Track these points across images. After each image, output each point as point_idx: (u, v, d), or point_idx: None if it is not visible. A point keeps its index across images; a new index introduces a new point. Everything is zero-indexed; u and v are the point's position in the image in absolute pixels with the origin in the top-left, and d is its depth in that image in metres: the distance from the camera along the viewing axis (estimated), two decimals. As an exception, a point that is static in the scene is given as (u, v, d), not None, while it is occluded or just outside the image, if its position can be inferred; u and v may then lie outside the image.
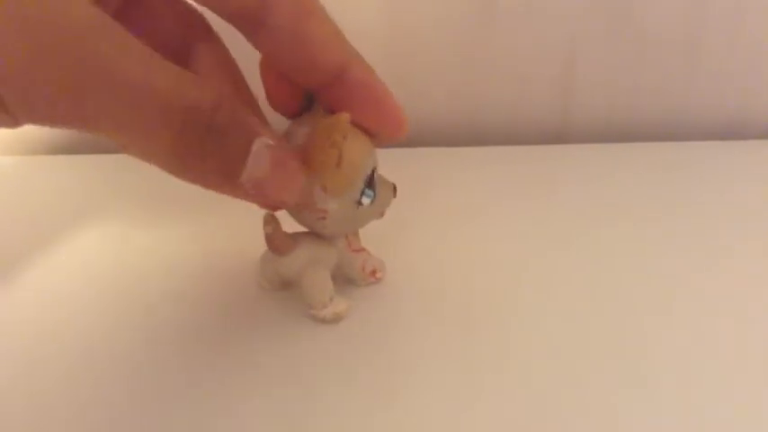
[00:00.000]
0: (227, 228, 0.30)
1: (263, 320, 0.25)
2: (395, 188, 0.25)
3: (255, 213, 0.23)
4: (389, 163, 0.25)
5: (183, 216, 0.32)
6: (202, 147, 0.17)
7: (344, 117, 0.21)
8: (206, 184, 0.19)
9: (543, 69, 0.41)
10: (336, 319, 0.24)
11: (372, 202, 0.23)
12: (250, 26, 0.20)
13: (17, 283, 0.27)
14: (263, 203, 0.22)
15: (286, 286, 0.26)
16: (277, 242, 0.23)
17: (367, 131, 0.23)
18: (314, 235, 0.24)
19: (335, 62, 0.21)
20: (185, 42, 0.22)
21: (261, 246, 0.24)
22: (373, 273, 0.26)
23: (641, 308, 0.25)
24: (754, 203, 0.33)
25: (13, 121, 0.15)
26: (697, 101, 0.42)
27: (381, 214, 0.24)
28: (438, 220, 0.31)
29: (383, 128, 0.23)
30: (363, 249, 0.26)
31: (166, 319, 0.25)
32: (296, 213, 0.23)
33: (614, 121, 0.43)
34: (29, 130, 0.17)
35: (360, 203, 0.23)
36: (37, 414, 0.21)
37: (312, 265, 0.24)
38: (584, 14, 0.39)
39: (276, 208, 0.23)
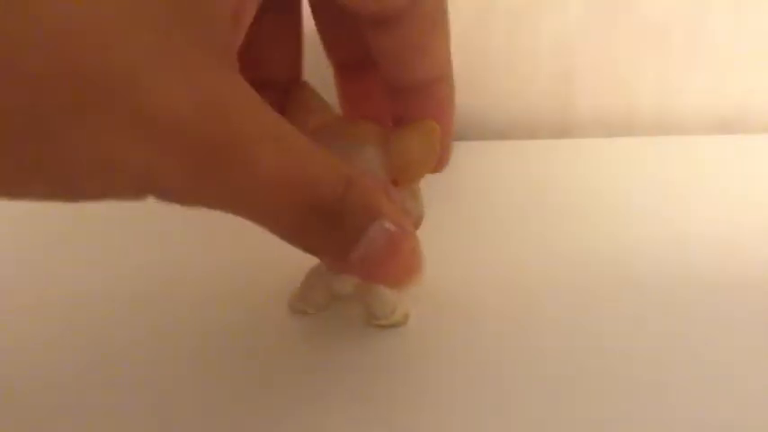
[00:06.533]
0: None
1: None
2: None
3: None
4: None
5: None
6: (320, 228, 0.17)
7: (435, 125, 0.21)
8: (317, 255, 0.19)
9: (543, 64, 0.41)
10: (405, 321, 0.24)
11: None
12: (378, 24, 0.19)
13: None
14: (380, 283, 0.21)
15: (328, 307, 0.25)
16: None
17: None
18: None
19: (434, 75, 0.21)
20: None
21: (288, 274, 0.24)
22: None
23: (649, 309, 0.25)
24: (757, 199, 0.33)
25: (140, 198, 0.15)
26: (698, 93, 0.42)
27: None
28: (442, 219, 0.31)
29: None
30: None
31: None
32: None
33: (615, 116, 0.43)
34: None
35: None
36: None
37: None
38: (584, 7, 0.39)
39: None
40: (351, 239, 0.18)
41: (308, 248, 0.18)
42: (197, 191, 0.15)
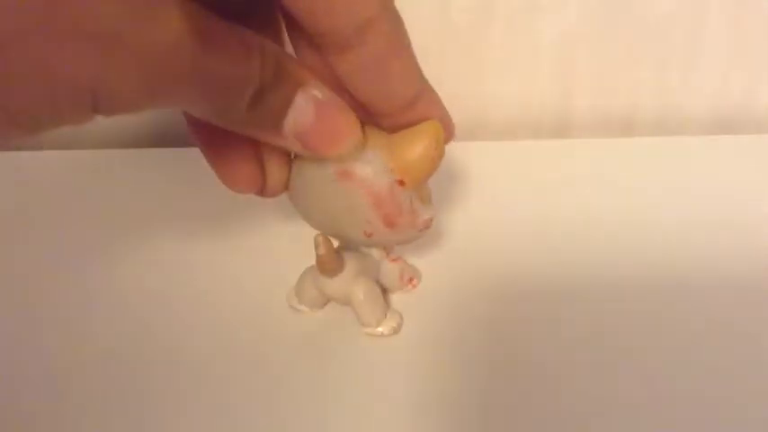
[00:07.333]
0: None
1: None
2: None
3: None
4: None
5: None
6: (249, 106, 0.17)
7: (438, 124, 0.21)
8: (254, 135, 0.19)
9: (543, 64, 0.41)
10: (393, 333, 0.24)
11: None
12: (337, 48, 0.19)
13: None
14: (316, 155, 0.20)
15: (324, 306, 0.25)
16: (330, 264, 0.23)
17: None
18: (353, 249, 0.24)
19: (410, 95, 0.21)
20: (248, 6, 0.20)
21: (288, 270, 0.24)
22: (410, 281, 0.26)
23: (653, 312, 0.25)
24: (757, 199, 0.33)
25: (88, 118, 0.15)
26: (698, 93, 0.42)
27: None
28: (441, 219, 0.31)
29: None
30: (400, 258, 0.26)
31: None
32: (390, 233, 0.22)
33: (615, 116, 0.43)
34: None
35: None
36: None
37: (360, 282, 0.23)
38: (584, 7, 0.39)
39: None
40: (279, 111, 0.18)
41: (247, 131, 0.19)
42: (143, 91, 0.15)
